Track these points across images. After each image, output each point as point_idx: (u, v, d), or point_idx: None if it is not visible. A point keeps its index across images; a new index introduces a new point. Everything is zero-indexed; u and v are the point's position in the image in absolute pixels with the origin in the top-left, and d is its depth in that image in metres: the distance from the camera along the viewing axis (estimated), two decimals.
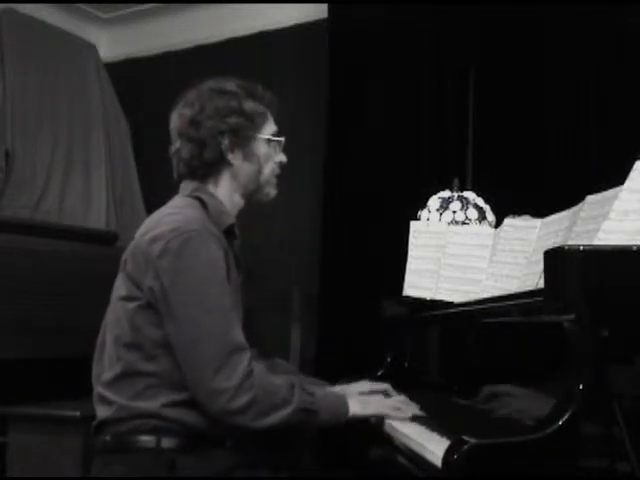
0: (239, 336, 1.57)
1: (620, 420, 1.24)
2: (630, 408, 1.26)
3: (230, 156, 1.74)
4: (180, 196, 1.77)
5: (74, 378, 2.77)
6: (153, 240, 1.59)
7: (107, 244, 3.58)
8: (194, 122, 1.73)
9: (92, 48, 4.04)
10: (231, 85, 1.77)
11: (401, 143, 3.28)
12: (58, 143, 3.66)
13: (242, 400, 1.50)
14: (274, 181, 1.83)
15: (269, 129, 1.81)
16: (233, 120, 1.73)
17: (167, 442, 1.57)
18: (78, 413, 2.53)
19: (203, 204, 1.70)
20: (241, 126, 1.74)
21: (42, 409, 2.61)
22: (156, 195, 3.97)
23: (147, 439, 1.57)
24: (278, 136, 1.83)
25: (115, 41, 4.42)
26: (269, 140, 1.80)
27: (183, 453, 1.57)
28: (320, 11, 3.60)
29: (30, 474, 2.56)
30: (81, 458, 2.51)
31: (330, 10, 3.55)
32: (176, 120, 1.79)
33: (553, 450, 1.23)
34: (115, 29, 4.44)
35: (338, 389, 1.89)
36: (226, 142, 1.73)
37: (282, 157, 1.84)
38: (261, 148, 1.78)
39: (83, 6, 4.26)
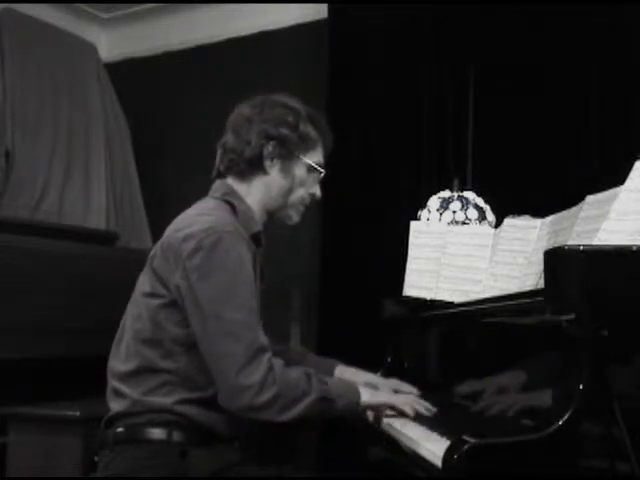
0: (263, 336, 1.60)
1: (620, 420, 1.24)
2: (630, 408, 1.26)
3: (268, 163, 1.77)
4: (210, 198, 1.79)
5: (74, 378, 2.77)
6: (185, 239, 1.61)
7: (107, 244, 3.58)
8: (249, 120, 1.77)
9: (92, 48, 4.04)
10: (298, 105, 1.82)
11: (401, 143, 3.28)
12: (58, 143, 3.66)
13: (267, 395, 1.54)
14: (301, 209, 1.86)
15: (315, 158, 1.84)
16: (284, 131, 1.76)
17: (178, 436, 1.61)
18: (78, 413, 2.53)
19: (233, 208, 1.73)
20: (289, 140, 1.77)
21: (42, 409, 2.61)
22: (156, 195, 4.00)
23: (159, 431, 1.61)
24: (321, 168, 1.85)
25: (115, 41, 4.42)
26: (310, 167, 1.82)
27: (193, 446, 1.61)
28: (320, 11, 3.60)
29: (30, 474, 2.56)
30: (81, 458, 2.51)
31: (330, 10, 3.54)
32: (234, 115, 1.82)
33: (553, 450, 1.23)
34: (115, 29, 4.43)
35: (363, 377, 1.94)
36: (269, 148, 1.76)
37: (317, 190, 1.87)
38: (300, 170, 1.81)
39: (83, 6, 4.26)
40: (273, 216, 1.84)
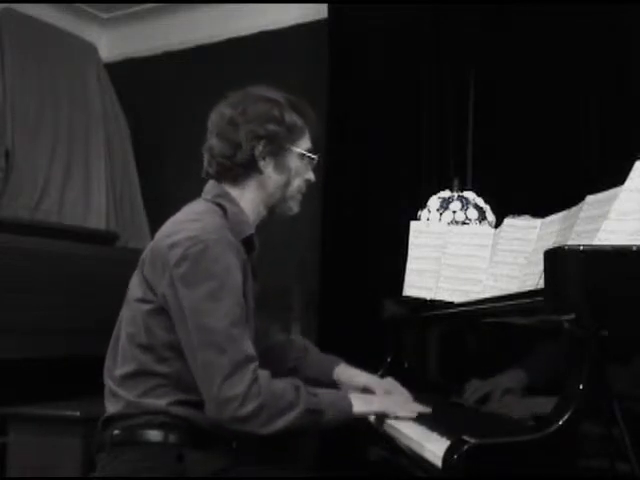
0: (249, 346, 1.58)
1: (620, 420, 1.24)
2: (630, 408, 1.26)
3: (261, 163, 1.74)
4: (202, 200, 1.76)
5: (74, 378, 2.77)
6: (172, 246, 1.60)
7: (107, 244, 3.58)
8: (233, 123, 1.73)
9: (92, 48, 4.04)
10: (277, 95, 1.78)
11: (401, 143, 3.28)
12: (58, 143, 3.66)
13: (250, 407, 1.52)
14: (299, 197, 1.83)
15: (304, 145, 1.81)
16: (271, 127, 1.73)
17: (174, 437, 1.61)
18: (78, 413, 2.53)
19: (224, 211, 1.70)
20: (278, 135, 1.74)
21: (42, 409, 2.61)
22: (156, 195, 4.00)
23: (155, 433, 1.61)
24: (312, 154, 1.83)
25: (115, 41, 4.42)
26: (303, 155, 1.80)
27: (190, 448, 1.61)
28: (320, 11, 3.60)
29: (30, 474, 2.56)
30: (81, 458, 2.51)
31: (330, 10, 3.54)
32: (216, 118, 1.78)
33: (553, 450, 1.23)
34: (115, 29, 4.43)
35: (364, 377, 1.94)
36: (260, 148, 1.73)
37: (311, 175, 1.84)
38: (293, 161, 1.79)
39: (83, 6, 4.26)
40: (274, 210, 1.81)
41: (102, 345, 1.78)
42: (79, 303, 3.08)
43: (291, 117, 1.77)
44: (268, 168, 1.76)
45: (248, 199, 1.77)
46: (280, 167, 1.77)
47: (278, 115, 1.74)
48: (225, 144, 1.73)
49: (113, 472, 1.62)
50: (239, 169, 1.74)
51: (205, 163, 1.80)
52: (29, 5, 3.80)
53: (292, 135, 1.77)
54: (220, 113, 1.77)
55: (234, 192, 1.76)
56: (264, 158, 1.74)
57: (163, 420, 1.61)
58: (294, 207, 1.83)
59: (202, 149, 1.80)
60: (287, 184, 1.79)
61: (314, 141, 1.85)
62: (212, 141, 1.76)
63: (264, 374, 1.58)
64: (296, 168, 1.79)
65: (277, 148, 1.75)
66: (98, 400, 1.76)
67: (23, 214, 3.38)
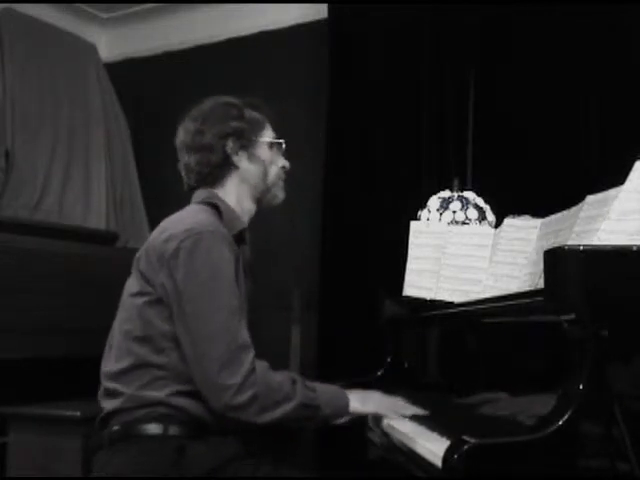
0: (245, 335, 1.62)
1: (620, 420, 1.24)
2: (630, 408, 1.26)
3: (235, 158, 1.82)
4: (193, 204, 1.83)
5: (74, 378, 2.77)
6: (167, 240, 1.65)
7: (107, 244, 3.58)
8: (199, 132, 1.82)
9: (92, 48, 4.04)
10: (230, 98, 1.89)
11: (401, 143, 3.28)
12: (58, 143, 3.66)
13: (245, 396, 1.55)
14: (281, 184, 1.91)
15: (268, 134, 1.90)
16: (235, 124, 1.82)
17: (174, 429, 1.62)
18: (78, 413, 2.53)
19: (217, 209, 1.76)
20: (243, 129, 1.83)
21: (42, 409, 2.61)
22: (156, 195, 4.00)
23: (154, 427, 1.62)
24: (278, 140, 1.91)
25: (115, 41, 4.42)
26: (271, 144, 1.88)
27: (190, 440, 1.62)
28: (320, 11, 3.60)
29: (30, 474, 2.56)
30: (81, 458, 2.51)
31: (330, 10, 3.54)
32: (182, 135, 1.88)
33: (553, 450, 1.23)
34: (115, 29, 4.43)
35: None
36: (230, 144, 1.81)
37: (285, 162, 1.93)
38: (264, 152, 1.87)
39: (83, 6, 4.26)
40: (261, 201, 1.88)
41: (102, 345, 1.78)
42: (79, 303, 3.08)
43: (250, 113, 1.87)
44: (243, 161, 1.84)
45: (233, 196, 1.84)
46: (253, 159, 1.85)
47: (237, 114, 1.84)
48: (198, 153, 1.82)
49: (113, 469, 1.62)
50: (216, 170, 1.82)
51: (185, 179, 1.88)
52: (29, 5, 3.80)
53: (255, 128, 1.86)
54: (185, 129, 1.87)
55: (219, 193, 1.83)
56: (237, 153, 1.83)
57: (162, 412, 1.62)
58: (279, 194, 1.91)
59: (178, 167, 1.88)
60: (265, 174, 1.87)
61: (276, 130, 1.93)
62: (185, 157, 1.85)
63: (263, 365, 1.62)
64: (268, 157, 1.88)
65: (245, 141, 1.84)
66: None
67: (23, 214, 3.38)
